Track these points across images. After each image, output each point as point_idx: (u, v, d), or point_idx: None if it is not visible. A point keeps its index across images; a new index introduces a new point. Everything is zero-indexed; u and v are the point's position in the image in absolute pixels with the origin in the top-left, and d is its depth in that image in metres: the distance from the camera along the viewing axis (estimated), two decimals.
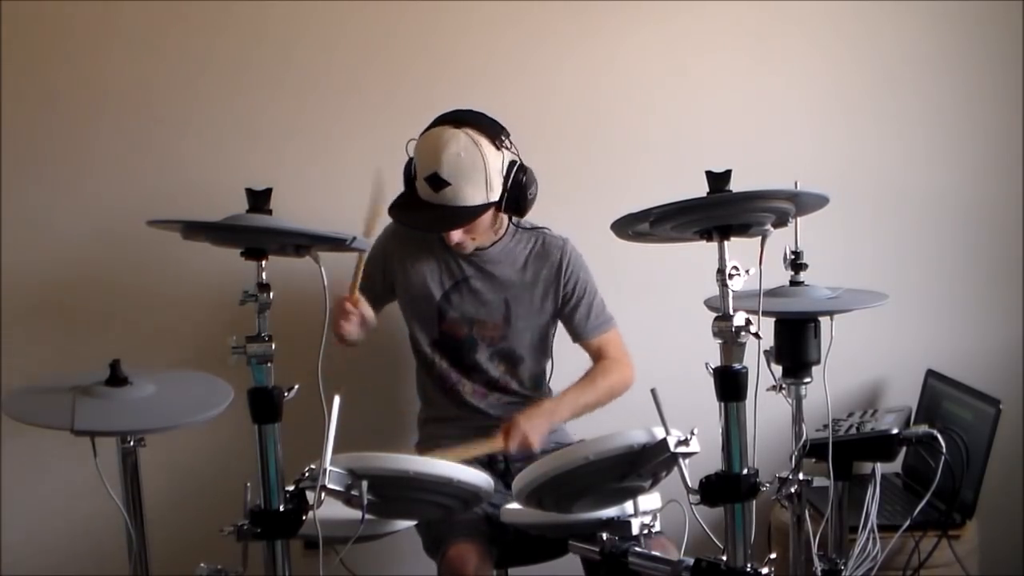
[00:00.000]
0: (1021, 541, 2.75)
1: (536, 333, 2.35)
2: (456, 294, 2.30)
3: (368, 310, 2.21)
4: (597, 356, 2.35)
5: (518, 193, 2.18)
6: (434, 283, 2.30)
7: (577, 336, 2.36)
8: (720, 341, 1.56)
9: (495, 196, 2.16)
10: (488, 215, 2.20)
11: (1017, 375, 2.75)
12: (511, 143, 2.19)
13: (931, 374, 2.68)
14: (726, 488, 1.56)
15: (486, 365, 2.32)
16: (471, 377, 2.33)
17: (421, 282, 2.31)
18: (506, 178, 2.16)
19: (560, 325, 2.38)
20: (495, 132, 2.16)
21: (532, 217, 2.32)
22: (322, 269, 1.59)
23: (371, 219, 2.12)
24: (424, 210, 2.15)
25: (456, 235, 2.20)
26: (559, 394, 2.32)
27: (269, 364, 1.58)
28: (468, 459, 2.03)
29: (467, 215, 2.15)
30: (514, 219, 2.31)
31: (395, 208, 2.19)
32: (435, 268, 2.31)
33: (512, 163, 2.17)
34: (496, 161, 2.14)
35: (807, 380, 1.98)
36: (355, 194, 2.54)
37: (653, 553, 1.73)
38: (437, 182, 2.10)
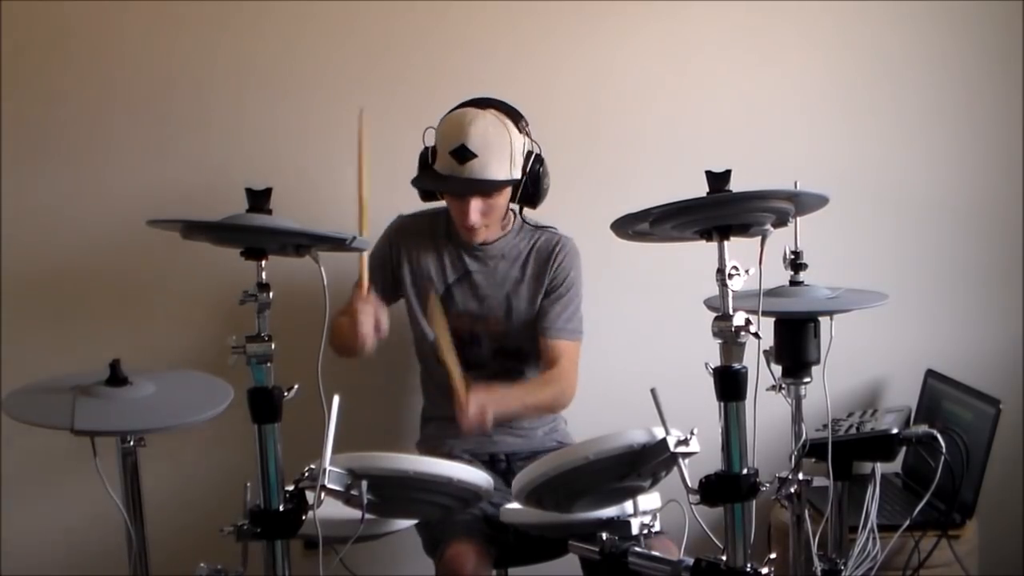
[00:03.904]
0: (1021, 541, 2.75)
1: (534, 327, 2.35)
2: (459, 288, 2.30)
3: (384, 314, 2.18)
4: (549, 361, 2.27)
5: (534, 182, 2.19)
6: (438, 277, 2.31)
7: (541, 330, 2.29)
8: (720, 341, 1.56)
9: (517, 174, 2.17)
10: (505, 199, 2.21)
11: (1017, 375, 2.75)
12: (530, 133, 2.21)
13: (931, 374, 2.68)
14: (726, 488, 1.56)
15: (490, 362, 2.32)
16: (474, 374, 2.31)
17: (426, 276, 2.31)
18: (524, 165, 2.18)
19: None
20: (517, 116, 2.20)
21: (534, 216, 2.32)
22: (322, 269, 1.59)
23: (361, 215, 2.13)
24: (449, 180, 2.15)
25: (474, 214, 2.16)
26: (508, 387, 2.23)
27: (269, 364, 1.58)
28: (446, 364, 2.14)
29: (493, 186, 2.15)
30: (523, 215, 2.33)
31: (420, 177, 2.21)
32: (439, 262, 2.31)
33: (531, 152, 2.20)
34: (519, 142, 2.17)
35: (807, 380, 1.98)
36: (355, 194, 2.55)
37: (653, 553, 1.73)
38: (464, 154, 2.10)
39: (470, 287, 2.30)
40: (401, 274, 2.34)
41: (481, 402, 2.10)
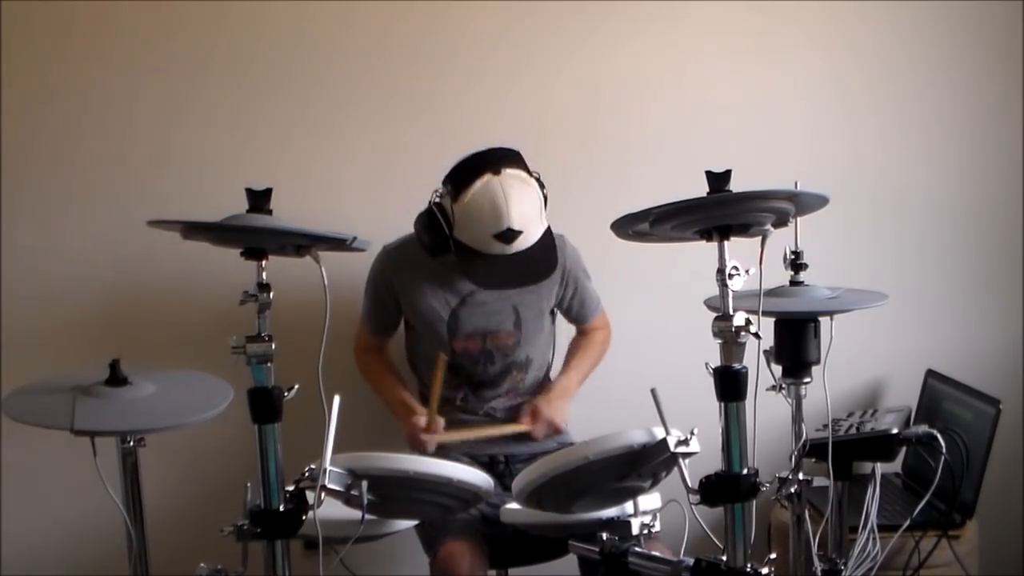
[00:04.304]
0: (1021, 541, 2.75)
1: (544, 333, 2.36)
2: (465, 310, 2.28)
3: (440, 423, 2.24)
4: (584, 331, 2.48)
5: (544, 204, 2.21)
6: (440, 304, 2.28)
7: (577, 321, 2.47)
8: (720, 341, 1.56)
9: (546, 219, 2.20)
10: None
11: (1017, 375, 2.75)
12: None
13: (931, 374, 2.68)
14: (726, 488, 1.56)
15: (501, 377, 2.31)
16: (481, 392, 2.32)
17: (427, 305, 2.28)
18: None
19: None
20: (524, 162, 2.18)
21: None
22: (322, 269, 1.60)
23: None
24: (503, 264, 2.14)
25: None
26: (563, 372, 2.42)
27: (269, 364, 1.59)
28: (491, 436, 2.21)
29: (548, 252, 2.19)
30: None
31: (476, 276, 2.16)
32: (438, 288, 2.28)
33: (538, 179, 2.20)
34: (538, 188, 2.18)
35: (807, 380, 1.98)
36: (355, 194, 2.56)
37: (653, 553, 1.73)
38: (511, 235, 2.11)
39: (476, 306, 2.28)
40: (402, 303, 2.32)
41: (546, 419, 2.28)
